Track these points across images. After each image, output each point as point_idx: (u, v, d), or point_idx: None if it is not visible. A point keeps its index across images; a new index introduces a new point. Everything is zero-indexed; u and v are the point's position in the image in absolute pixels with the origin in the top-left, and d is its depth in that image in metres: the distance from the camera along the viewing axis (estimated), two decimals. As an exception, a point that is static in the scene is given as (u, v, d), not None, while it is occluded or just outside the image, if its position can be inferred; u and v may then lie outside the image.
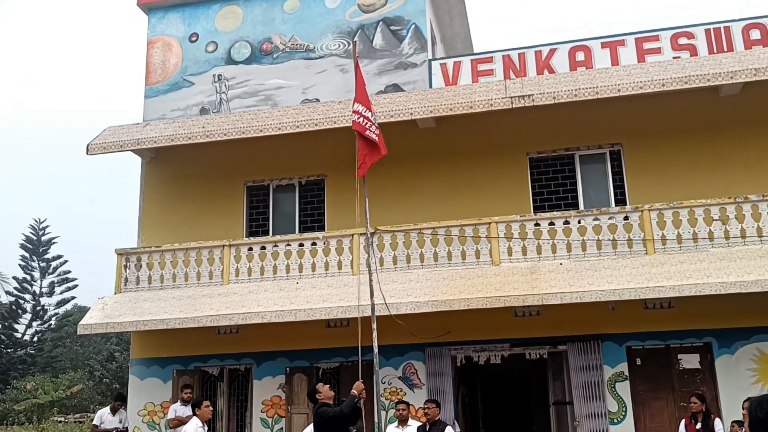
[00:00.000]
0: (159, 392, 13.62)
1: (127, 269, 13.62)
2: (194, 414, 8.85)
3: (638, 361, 12.07)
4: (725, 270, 10.97)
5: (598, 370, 12.03)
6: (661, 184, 12.68)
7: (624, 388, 11.93)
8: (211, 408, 9.46)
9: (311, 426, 8.54)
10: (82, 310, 42.71)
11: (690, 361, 12.00)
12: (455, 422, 12.10)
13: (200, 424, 8.69)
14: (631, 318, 12.03)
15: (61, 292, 36.24)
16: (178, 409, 12.00)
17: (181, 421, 11.77)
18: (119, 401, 12.95)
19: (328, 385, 8.55)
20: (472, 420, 15.09)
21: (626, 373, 11.99)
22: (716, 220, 11.63)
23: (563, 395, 13.12)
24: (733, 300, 11.22)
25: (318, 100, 14.37)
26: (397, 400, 10.76)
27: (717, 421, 9.51)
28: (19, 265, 35.56)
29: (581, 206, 13.08)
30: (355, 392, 8.09)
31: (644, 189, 12.78)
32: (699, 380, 11.85)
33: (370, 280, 9.36)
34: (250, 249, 13.22)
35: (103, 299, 13.59)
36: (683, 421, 9.61)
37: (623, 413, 11.84)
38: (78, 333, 13.22)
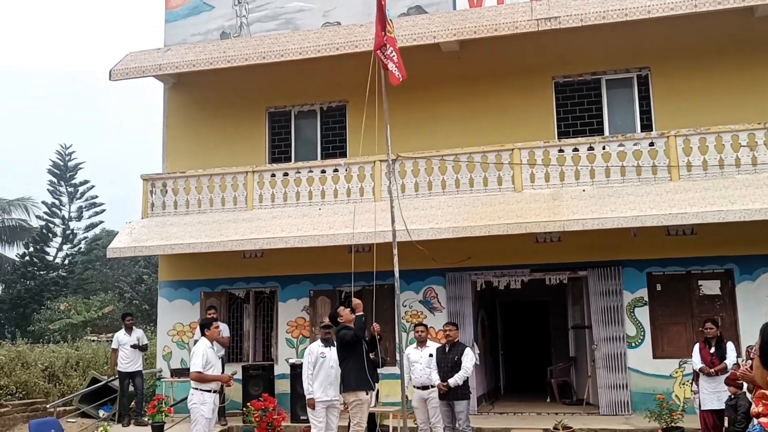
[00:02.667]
0: (187, 313, 14.03)
1: (153, 194, 13.82)
2: (203, 334, 8.92)
3: (658, 287, 12.15)
4: (750, 197, 10.87)
5: (617, 295, 12.15)
6: (688, 109, 12.45)
7: (643, 313, 12.06)
8: (219, 329, 9.57)
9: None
10: (110, 234, 43.46)
11: (710, 288, 12.06)
12: (474, 344, 12.36)
13: (209, 345, 8.81)
14: (653, 244, 12.05)
15: (89, 217, 36.84)
16: (206, 330, 12.32)
17: (209, 341, 12.16)
18: (130, 318, 13.06)
19: (348, 309, 8.82)
20: (491, 343, 15.38)
21: (646, 298, 12.10)
22: (744, 146, 11.46)
23: (582, 319, 13.32)
24: (757, 227, 11.16)
25: (339, 23, 14.17)
26: (416, 323, 10.98)
27: (729, 344, 9.63)
28: (48, 190, 36.14)
29: (606, 132, 12.94)
30: (360, 312, 8.52)
31: (671, 114, 12.57)
32: (718, 306, 11.93)
33: (392, 207, 9.40)
34: (273, 175, 13.31)
35: (131, 223, 13.85)
36: (697, 345, 9.74)
37: (641, 337, 12.00)
38: (107, 256, 13.57)
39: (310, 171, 13.17)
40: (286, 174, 13.27)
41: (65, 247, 36.33)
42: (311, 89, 14.26)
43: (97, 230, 38.67)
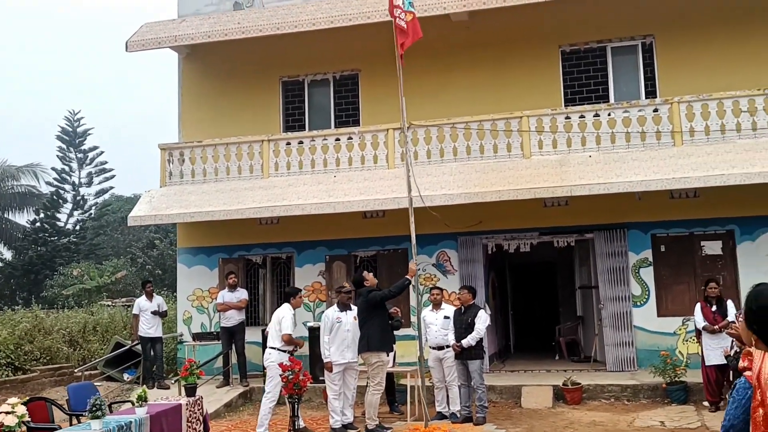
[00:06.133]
0: (206, 279, 14.52)
1: (171, 163, 14.19)
2: (288, 302, 9.66)
3: (662, 248, 12.60)
4: (750, 161, 11.24)
5: (623, 256, 12.60)
6: (692, 76, 12.75)
7: (648, 273, 12.53)
8: (302, 299, 10.34)
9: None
10: (120, 200, 43.97)
11: (712, 248, 12.50)
12: (486, 305, 12.86)
13: (293, 311, 9.55)
14: (657, 207, 12.46)
15: (99, 183, 37.20)
16: (226, 295, 12.84)
17: (228, 306, 12.68)
18: (150, 285, 13.56)
19: (372, 273, 9.36)
20: (501, 303, 15.89)
21: (650, 259, 12.55)
22: (744, 111, 11.79)
23: (589, 280, 13.81)
24: (757, 189, 11.55)
25: (350, -7, 14.37)
26: (431, 286, 11.44)
27: (729, 302, 10.08)
28: (57, 156, 36.42)
29: (612, 99, 13.25)
30: (409, 277, 9.03)
31: (675, 82, 12.87)
32: (720, 266, 12.38)
33: (408, 174, 9.77)
34: (288, 144, 13.68)
35: (150, 192, 14.27)
36: (699, 304, 10.19)
37: (646, 296, 12.49)
38: (128, 224, 13.99)
39: (324, 139, 13.53)
40: (300, 142, 13.64)
41: (76, 213, 36.75)
42: (324, 58, 14.54)
43: (106, 196, 39.10)
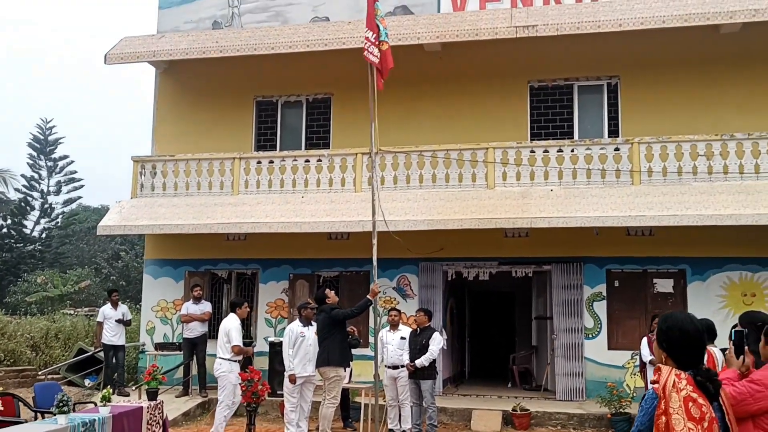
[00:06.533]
0: (171, 290, 14.65)
1: (143, 176, 14.37)
2: (233, 312, 9.87)
3: (616, 283, 13.03)
4: (704, 203, 11.75)
5: (578, 289, 13.00)
6: (654, 118, 13.29)
7: (601, 307, 12.94)
8: (248, 309, 10.52)
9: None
10: (87, 210, 43.77)
11: (664, 286, 12.95)
12: (443, 330, 13.16)
13: (239, 321, 9.77)
14: (613, 243, 12.90)
15: (68, 192, 37.12)
16: (190, 307, 13.00)
17: (192, 318, 12.83)
18: (116, 294, 13.66)
19: (333, 291, 9.67)
20: (459, 329, 16.19)
21: (604, 293, 12.97)
22: (701, 155, 12.33)
23: (545, 311, 14.18)
24: (709, 231, 12.07)
25: (328, 19, 14.78)
26: (390, 307, 11.72)
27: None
28: (27, 163, 36.32)
29: (576, 136, 13.74)
30: (370, 298, 9.36)
31: (637, 122, 13.40)
32: (671, 303, 12.81)
33: (372, 198, 10.08)
34: (259, 162, 13.95)
35: (120, 203, 14.41)
36: (645, 338, 10.52)
37: (598, 329, 12.88)
38: (98, 233, 14.09)
39: (295, 160, 13.81)
40: (271, 162, 13.91)
41: (43, 220, 36.58)
42: (298, 81, 14.88)
43: (74, 205, 38.98)
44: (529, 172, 12.83)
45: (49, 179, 36.83)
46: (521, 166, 12.84)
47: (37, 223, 36.35)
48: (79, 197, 38.37)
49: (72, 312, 25.58)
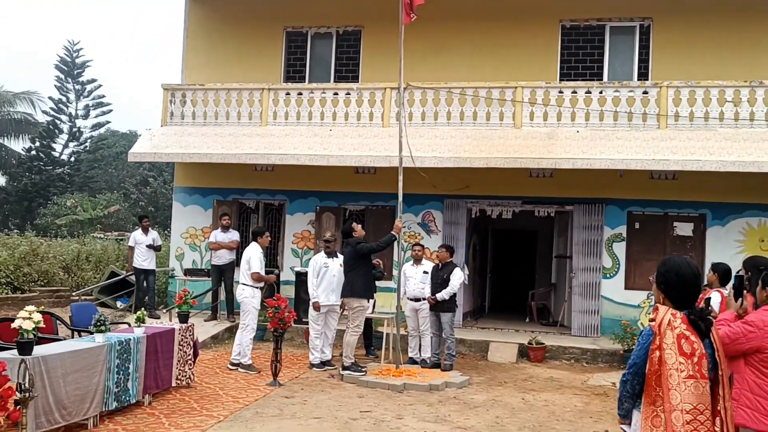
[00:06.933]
0: (200, 218, 15.06)
1: (173, 104, 14.60)
2: (255, 240, 10.19)
3: (637, 225, 13.22)
4: (728, 149, 11.80)
5: (599, 230, 13.22)
6: (684, 62, 13.22)
7: (620, 248, 13.17)
8: (270, 238, 10.86)
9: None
10: (116, 135, 44.22)
11: (684, 229, 13.13)
12: (465, 266, 13.48)
13: (260, 250, 10.09)
14: (636, 186, 13.04)
15: (96, 116, 37.32)
16: (218, 235, 13.41)
17: (220, 246, 13.25)
18: (147, 219, 14.08)
19: (360, 225, 10.02)
20: (481, 266, 16.53)
21: (624, 234, 13.18)
22: (729, 101, 12.31)
23: (565, 250, 14.45)
24: (732, 178, 12.17)
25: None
26: (414, 242, 12.04)
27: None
28: (55, 85, 36.43)
29: (605, 78, 13.73)
30: (395, 233, 9.71)
31: (668, 66, 13.34)
32: (689, 246, 13.02)
33: (400, 134, 10.28)
34: (288, 94, 14.10)
35: (151, 131, 14.70)
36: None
37: (616, 269, 13.15)
38: (129, 160, 14.44)
39: (323, 93, 13.95)
40: (300, 94, 14.06)
41: (71, 144, 36.95)
42: (329, 12, 14.89)
43: (102, 130, 39.31)
44: (556, 112, 12.89)
45: (77, 103, 37.07)
46: (549, 107, 12.90)
47: (65, 146, 36.79)
48: (108, 122, 38.65)
49: (102, 236, 26.29)
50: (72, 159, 36.86)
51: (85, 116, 37.20)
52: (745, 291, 4.49)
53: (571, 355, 11.69)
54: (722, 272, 6.97)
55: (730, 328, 4.17)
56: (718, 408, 3.63)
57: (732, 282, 4.65)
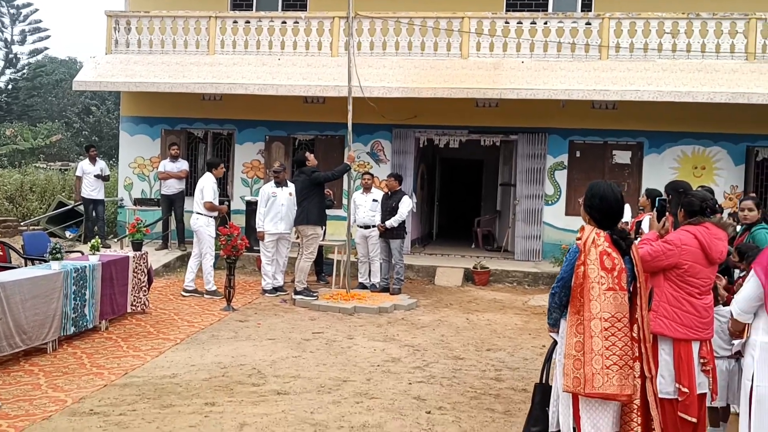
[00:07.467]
0: (148, 148, 15.00)
1: (117, 32, 14.32)
2: (210, 171, 10.32)
3: (578, 154, 13.71)
4: (665, 80, 12.26)
5: (542, 158, 13.69)
6: (626, -7, 13.52)
7: (561, 176, 13.69)
8: (224, 169, 10.95)
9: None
10: (54, 62, 42.77)
11: (622, 157, 13.68)
12: (413, 194, 13.86)
13: (214, 180, 10.22)
14: (578, 115, 13.48)
15: (33, 42, 36.16)
16: (167, 165, 13.39)
17: (169, 175, 13.28)
18: (94, 149, 13.94)
19: (313, 154, 10.26)
20: (428, 194, 16.93)
21: (566, 163, 13.68)
22: (667, 33, 12.70)
23: (510, 178, 14.91)
24: (668, 107, 12.67)
25: None
26: (363, 171, 12.30)
27: (626, 206, 11.22)
28: (-12, 10, 35.11)
29: (550, 9, 13.96)
30: (348, 163, 10.03)
31: (611, -2, 13.62)
32: (627, 174, 13.60)
33: (349, 64, 10.40)
34: (235, 22, 13.96)
35: (95, 58, 14.43)
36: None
37: (557, 196, 13.69)
38: (74, 89, 14.20)
39: (271, 21, 13.86)
40: (247, 22, 13.94)
41: (8, 71, 35.87)
42: (276, -61, 14.65)
43: (40, 57, 38.07)
44: (502, 43, 13.12)
45: (12, 28, 35.76)
46: (495, 37, 13.10)
47: (1, 73, 35.63)
48: (46, 48, 37.64)
49: (45, 166, 25.83)
50: (9, 87, 35.79)
51: (22, 42, 36.01)
52: (666, 213, 4.88)
53: (514, 278, 12.26)
54: (654, 197, 7.41)
55: (652, 246, 4.53)
56: (636, 316, 4.03)
57: (656, 206, 5.02)
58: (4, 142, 30.07)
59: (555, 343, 4.34)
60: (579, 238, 4.04)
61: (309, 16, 13.76)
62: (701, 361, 4.45)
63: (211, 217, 10.20)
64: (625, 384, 3.89)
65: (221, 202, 11.47)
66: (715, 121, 13.03)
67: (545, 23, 13.05)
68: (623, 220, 10.77)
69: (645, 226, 7.24)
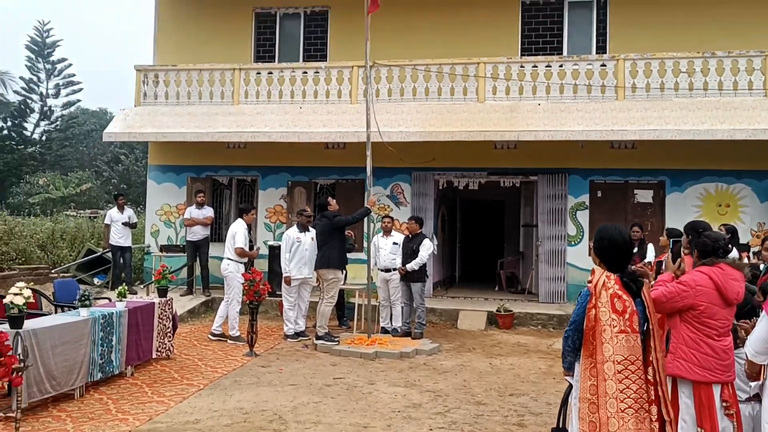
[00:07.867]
0: (174, 195, 15.33)
1: (146, 84, 14.78)
2: (240, 217, 10.60)
3: (599, 194, 13.74)
4: (683, 118, 12.31)
5: (563, 199, 13.73)
6: (640, 35, 13.68)
7: (584, 216, 13.70)
8: (255, 215, 11.23)
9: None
10: (86, 113, 43.92)
11: (644, 196, 13.68)
12: (434, 236, 13.94)
13: (245, 226, 10.45)
14: (597, 155, 13.54)
15: (67, 95, 37.24)
16: (193, 212, 13.67)
17: (195, 222, 13.54)
18: (122, 198, 14.28)
19: (335, 199, 10.50)
20: (450, 236, 17.01)
21: (587, 203, 13.71)
22: (683, 72, 12.79)
23: (532, 219, 14.95)
24: (688, 145, 12.68)
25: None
26: (383, 215, 12.44)
27: (650, 245, 11.23)
28: (26, 65, 36.27)
29: (565, 52, 14.16)
30: (369, 206, 10.25)
31: (625, 39, 13.78)
32: (650, 213, 13.58)
33: (367, 110, 10.64)
34: (258, 73, 14.35)
35: (125, 111, 14.88)
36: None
37: (581, 237, 13.69)
38: (104, 140, 14.62)
39: (293, 71, 14.22)
40: (270, 73, 14.32)
41: (42, 123, 36.88)
42: (296, -9, 15.10)
43: (73, 108, 39.12)
44: (518, 86, 13.29)
45: (47, 82, 36.88)
46: (511, 81, 13.29)
47: (37, 125, 36.67)
48: (78, 100, 38.53)
49: (75, 214, 26.35)
50: (43, 138, 36.75)
51: (56, 95, 37.07)
52: (683, 254, 4.90)
53: (539, 321, 12.23)
54: (674, 237, 7.40)
55: (666, 288, 4.53)
56: (650, 359, 4.04)
57: (671, 247, 5.04)
58: (37, 191, 30.83)
59: (571, 386, 4.35)
60: (590, 281, 4.10)
61: (329, 65, 14.11)
62: (723, 404, 4.36)
63: (241, 263, 10.38)
64: (641, 428, 3.90)
65: (251, 247, 11.66)
66: (738, 158, 13.01)
67: (560, 66, 13.22)
68: (646, 260, 10.77)
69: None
